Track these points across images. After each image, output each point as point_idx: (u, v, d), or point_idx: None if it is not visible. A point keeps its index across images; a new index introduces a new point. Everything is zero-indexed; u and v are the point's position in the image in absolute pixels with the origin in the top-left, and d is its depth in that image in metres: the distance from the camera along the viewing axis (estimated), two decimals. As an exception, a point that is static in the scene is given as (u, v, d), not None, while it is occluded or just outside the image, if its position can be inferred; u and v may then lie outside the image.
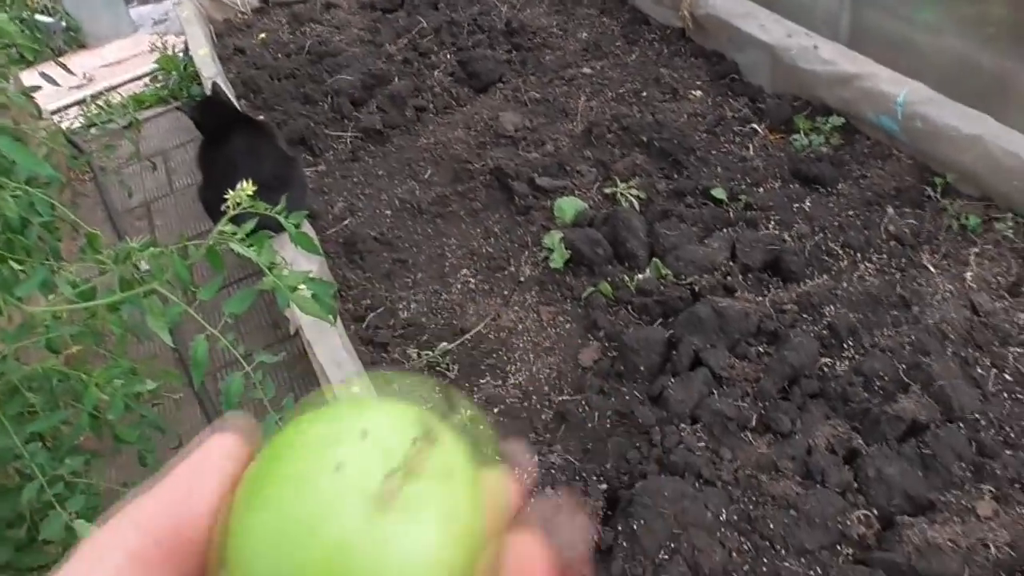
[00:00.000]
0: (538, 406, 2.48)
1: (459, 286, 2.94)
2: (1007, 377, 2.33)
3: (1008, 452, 2.14)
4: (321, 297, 2.05)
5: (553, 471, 2.27)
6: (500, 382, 2.57)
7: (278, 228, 1.96)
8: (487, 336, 2.73)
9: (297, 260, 2.64)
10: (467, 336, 2.72)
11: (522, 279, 2.93)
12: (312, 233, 3.06)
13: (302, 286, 1.95)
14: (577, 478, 2.25)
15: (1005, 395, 2.29)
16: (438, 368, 2.61)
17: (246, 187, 1.93)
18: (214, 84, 3.26)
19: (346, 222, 3.32)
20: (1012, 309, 2.51)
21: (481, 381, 2.58)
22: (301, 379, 2.95)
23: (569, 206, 3.11)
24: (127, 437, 2.25)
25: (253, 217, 1.94)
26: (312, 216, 3.30)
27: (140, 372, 2.26)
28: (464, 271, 3.00)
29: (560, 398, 2.48)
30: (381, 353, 2.68)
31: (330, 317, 2.05)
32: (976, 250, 2.69)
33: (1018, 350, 2.40)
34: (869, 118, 3.17)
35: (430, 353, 2.62)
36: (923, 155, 3.03)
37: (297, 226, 2.03)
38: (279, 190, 2.51)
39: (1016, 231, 2.72)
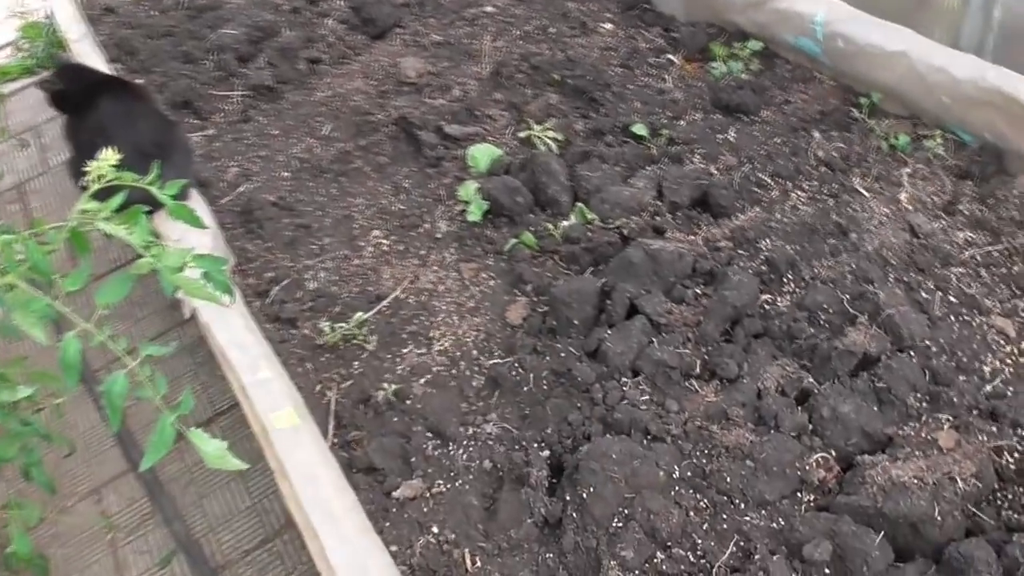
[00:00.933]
0: (468, 372, 2.28)
1: (371, 249, 2.71)
2: (952, 299, 2.24)
3: (962, 378, 2.05)
4: (213, 275, 1.80)
5: (490, 442, 2.09)
6: (424, 350, 2.36)
7: (160, 201, 1.71)
8: (406, 301, 2.51)
9: (188, 235, 2.36)
10: (384, 303, 2.49)
11: (439, 236, 2.71)
12: (203, 204, 2.76)
13: (189, 265, 1.70)
14: (517, 447, 2.07)
15: (952, 318, 2.20)
16: (355, 341, 2.38)
17: (109, 156, 1.67)
18: (59, 57, 2.90)
19: (241, 188, 3.03)
20: (950, 228, 2.42)
21: (404, 350, 2.36)
22: (207, 364, 2.69)
23: (483, 154, 2.89)
24: (3, 453, 1.97)
25: (124, 191, 1.69)
26: (202, 184, 3.00)
27: (11, 377, 1.98)
28: (375, 232, 2.76)
29: (491, 362, 2.29)
30: (290, 330, 2.44)
31: (225, 297, 1.81)
32: (908, 170, 2.60)
33: (960, 270, 2.32)
34: (788, 41, 3.04)
35: (345, 325, 2.39)
36: (846, 76, 2.92)
37: (176, 196, 1.77)
38: (159, 158, 2.23)
39: (946, 148, 2.63)
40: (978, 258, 2.33)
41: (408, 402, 2.21)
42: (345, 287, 2.58)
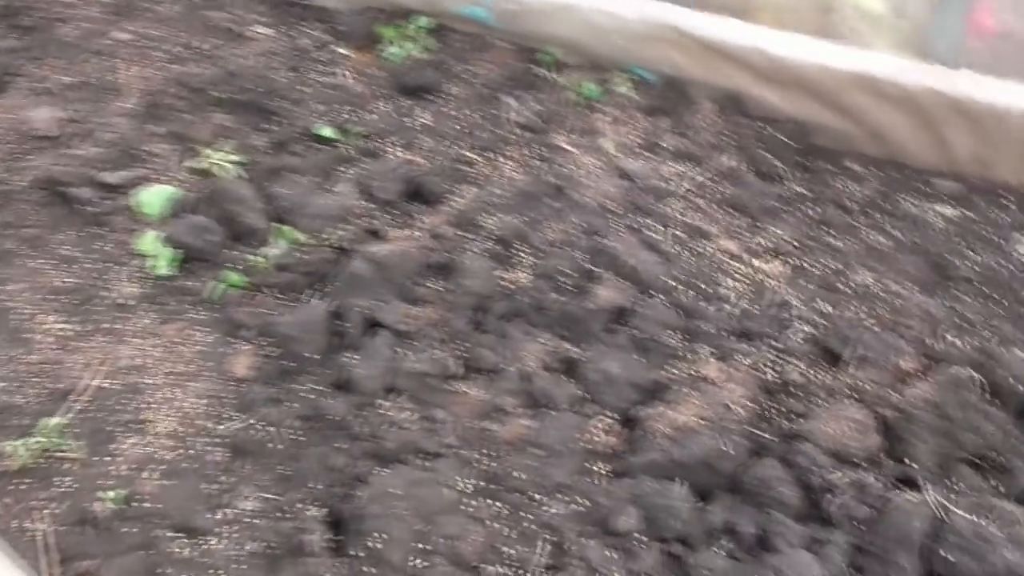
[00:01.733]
0: (203, 448, 1.94)
1: (46, 339, 2.24)
2: (678, 233, 2.26)
3: (710, 307, 2.07)
4: None
5: (251, 519, 1.78)
6: (144, 438, 1.98)
7: None
8: (107, 387, 2.10)
9: None
10: (80, 397, 2.07)
11: (126, 302, 2.31)
12: None
13: None
14: (283, 516, 1.78)
15: (683, 251, 2.22)
16: (55, 453, 1.94)
17: None
18: None
19: None
20: (658, 165, 2.45)
21: (119, 446, 1.96)
22: None
23: (155, 197, 2.51)
24: None
25: None
26: None
27: None
28: (45, 318, 2.29)
29: (227, 427, 1.97)
30: (-38, 465, 1.94)
31: None
32: (604, 118, 2.61)
33: (677, 203, 2.35)
34: (457, 12, 2.94)
35: (36, 439, 1.94)
36: (523, 37, 2.88)
37: None
38: None
39: (634, 89, 2.67)
40: (691, 188, 2.38)
41: (140, 504, 1.83)
42: (25, 392, 2.10)
